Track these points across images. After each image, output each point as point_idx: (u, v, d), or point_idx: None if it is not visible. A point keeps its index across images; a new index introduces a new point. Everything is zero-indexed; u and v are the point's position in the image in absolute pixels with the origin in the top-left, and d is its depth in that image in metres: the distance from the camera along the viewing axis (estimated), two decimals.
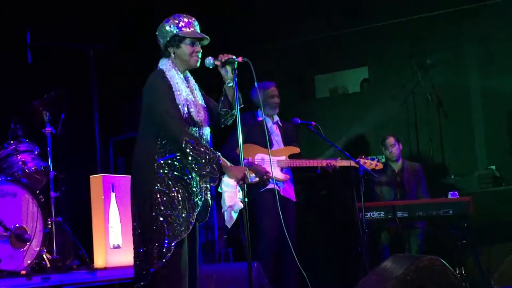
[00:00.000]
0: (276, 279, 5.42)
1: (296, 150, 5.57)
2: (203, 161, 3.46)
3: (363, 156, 5.58)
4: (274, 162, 5.41)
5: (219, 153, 3.52)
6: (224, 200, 3.62)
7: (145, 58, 4.69)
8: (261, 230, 5.38)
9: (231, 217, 3.67)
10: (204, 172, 3.48)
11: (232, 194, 3.59)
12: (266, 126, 5.54)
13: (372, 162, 5.55)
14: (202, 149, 3.47)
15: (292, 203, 5.53)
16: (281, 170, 5.47)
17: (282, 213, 4.38)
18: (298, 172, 5.70)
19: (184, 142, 3.47)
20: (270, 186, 5.35)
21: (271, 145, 5.52)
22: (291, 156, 5.51)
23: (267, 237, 5.35)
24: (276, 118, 5.68)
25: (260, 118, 5.59)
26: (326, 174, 5.60)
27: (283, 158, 5.48)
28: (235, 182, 3.59)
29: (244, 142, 5.21)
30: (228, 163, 3.58)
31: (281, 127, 5.67)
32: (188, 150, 3.47)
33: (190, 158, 3.48)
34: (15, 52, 6.15)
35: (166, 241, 3.48)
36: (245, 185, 3.64)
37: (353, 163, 5.49)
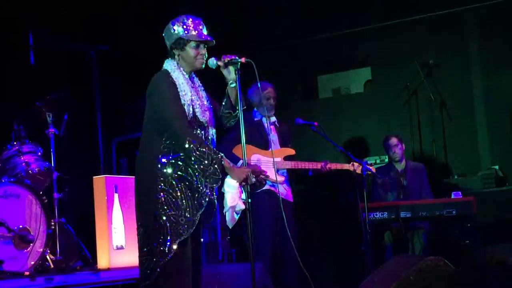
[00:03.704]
0: (274, 280, 5.40)
1: (292, 151, 5.54)
2: (206, 161, 3.47)
3: (353, 163, 5.54)
4: (271, 163, 5.39)
5: (222, 154, 3.53)
6: (226, 201, 3.63)
7: (148, 59, 4.70)
8: (258, 232, 5.35)
9: (232, 217, 3.68)
10: (207, 173, 3.48)
11: (234, 194, 3.61)
12: (263, 127, 5.54)
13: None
14: (205, 150, 3.48)
15: (289, 204, 5.49)
16: (277, 171, 5.45)
17: (280, 214, 4.35)
18: (292, 173, 5.68)
19: (187, 142, 3.48)
20: (267, 187, 5.34)
21: (268, 146, 5.50)
22: (286, 158, 5.49)
23: (264, 238, 5.31)
24: (274, 119, 5.65)
25: (257, 118, 5.57)
26: (320, 175, 5.58)
27: (278, 159, 5.45)
28: (237, 183, 3.59)
29: (240, 142, 5.21)
30: (231, 164, 3.58)
31: (278, 128, 5.65)
32: (191, 151, 3.48)
33: (193, 158, 3.49)
34: (18, 53, 6.16)
35: (169, 240, 3.50)
36: (248, 186, 3.64)
37: (346, 167, 5.48)
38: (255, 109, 5.60)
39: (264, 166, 5.26)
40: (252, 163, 5.30)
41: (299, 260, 4.12)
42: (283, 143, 5.59)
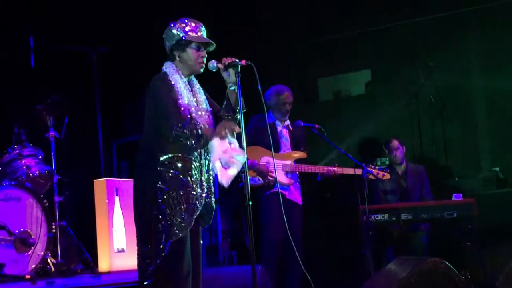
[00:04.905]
0: (280, 282, 5.41)
1: (303, 155, 5.56)
2: (194, 138, 3.52)
3: (370, 165, 5.54)
4: (280, 166, 5.40)
5: (201, 125, 3.54)
6: (213, 149, 3.56)
7: (148, 61, 4.70)
8: (266, 233, 5.37)
9: (225, 172, 3.56)
10: (201, 143, 3.54)
11: (222, 145, 3.51)
12: (276, 130, 5.55)
13: (379, 172, 5.52)
14: (187, 131, 3.51)
15: (299, 207, 5.52)
16: (286, 174, 5.45)
17: (288, 217, 4.39)
18: (303, 176, 5.69)
19: (171, 125, 3.51)
20: (276, 189, 5.34)
21: (279, 148, 5.52)
22: (297, 161, 5.51)
23: (271, 240, 5.33)
24: (287, 122, 5.68)
25: (271, 121, 5.57)
26: (326, 180, 5.58)
27: (289, 162, 5.47)
28: (222, 140, 3.52)
29: (252, 143, 5.22)
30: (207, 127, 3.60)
31: (291, 131, 5.67)
32: (176, 133, 3.51)
33: (180, 138, 3.52)
34: (18, 56, 6.17)
35: (163, 240, 3.52)
36: (249, 188, 3.62)
37: (356, 171, 5.48)
38: (270, 111, 5.61)
39: (273, 168, 5.27)
40: (261, 165, 5.32)
41: (301, 263, 4.12)
42: (295, 147, 5.60)
